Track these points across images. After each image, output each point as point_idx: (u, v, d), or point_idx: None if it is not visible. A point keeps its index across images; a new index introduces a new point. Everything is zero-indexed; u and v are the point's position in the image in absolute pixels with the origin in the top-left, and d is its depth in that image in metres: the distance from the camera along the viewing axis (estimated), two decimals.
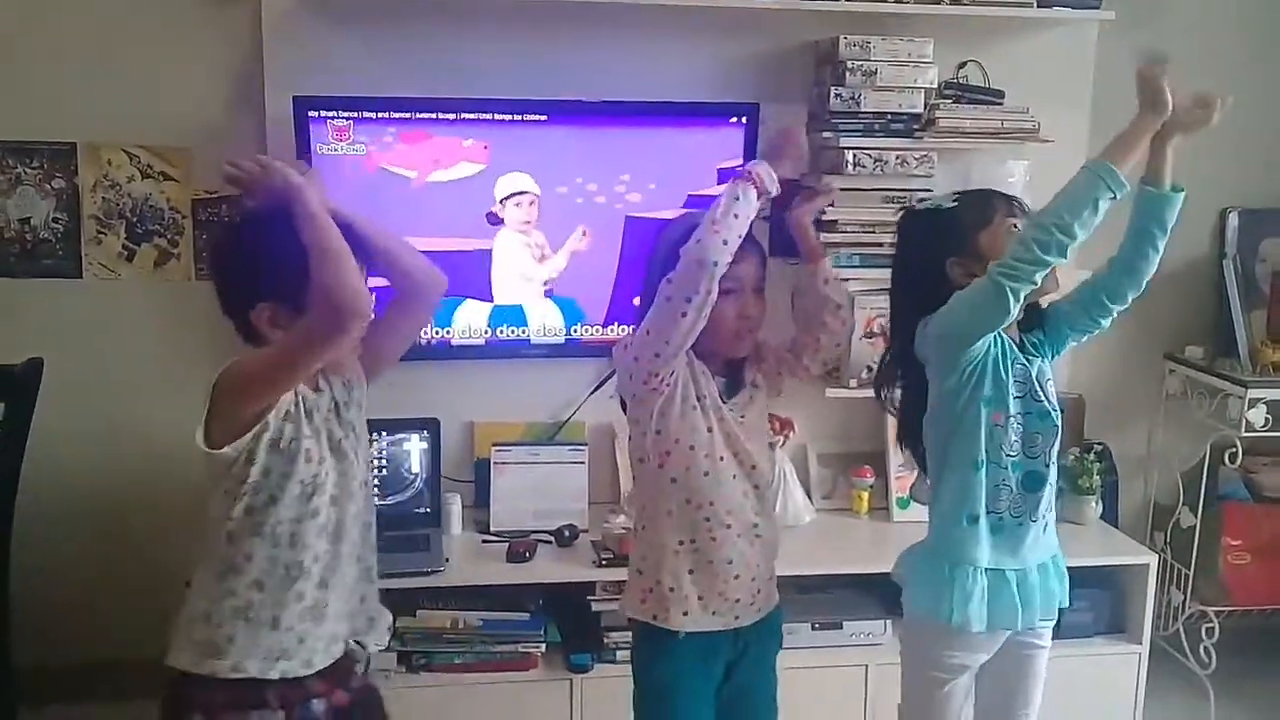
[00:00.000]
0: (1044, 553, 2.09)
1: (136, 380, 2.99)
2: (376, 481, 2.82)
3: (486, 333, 2.94)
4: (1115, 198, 1.88)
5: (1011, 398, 2.01)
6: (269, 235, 1.69)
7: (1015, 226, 2.00)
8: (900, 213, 2.20)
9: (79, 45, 2.85)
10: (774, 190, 1.92)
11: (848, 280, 2.90)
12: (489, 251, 2.89)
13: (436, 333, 2.90)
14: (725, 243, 1.84)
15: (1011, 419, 2.01)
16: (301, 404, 1.74)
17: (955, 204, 2.05)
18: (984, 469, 2.01)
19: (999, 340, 2.00)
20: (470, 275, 2.88)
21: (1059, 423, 2.06)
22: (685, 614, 2.02)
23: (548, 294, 2.94)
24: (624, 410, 2.06)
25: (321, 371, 1.79)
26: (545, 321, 2.96)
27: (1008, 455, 2.02)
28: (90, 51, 2.85)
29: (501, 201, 2.86)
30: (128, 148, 2.91)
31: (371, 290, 1.79)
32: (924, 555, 2.11)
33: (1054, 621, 2.16)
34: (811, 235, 2.15)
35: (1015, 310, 1.90)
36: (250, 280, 1.73)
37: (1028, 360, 2.04)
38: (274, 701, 1.73)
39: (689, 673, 2.04)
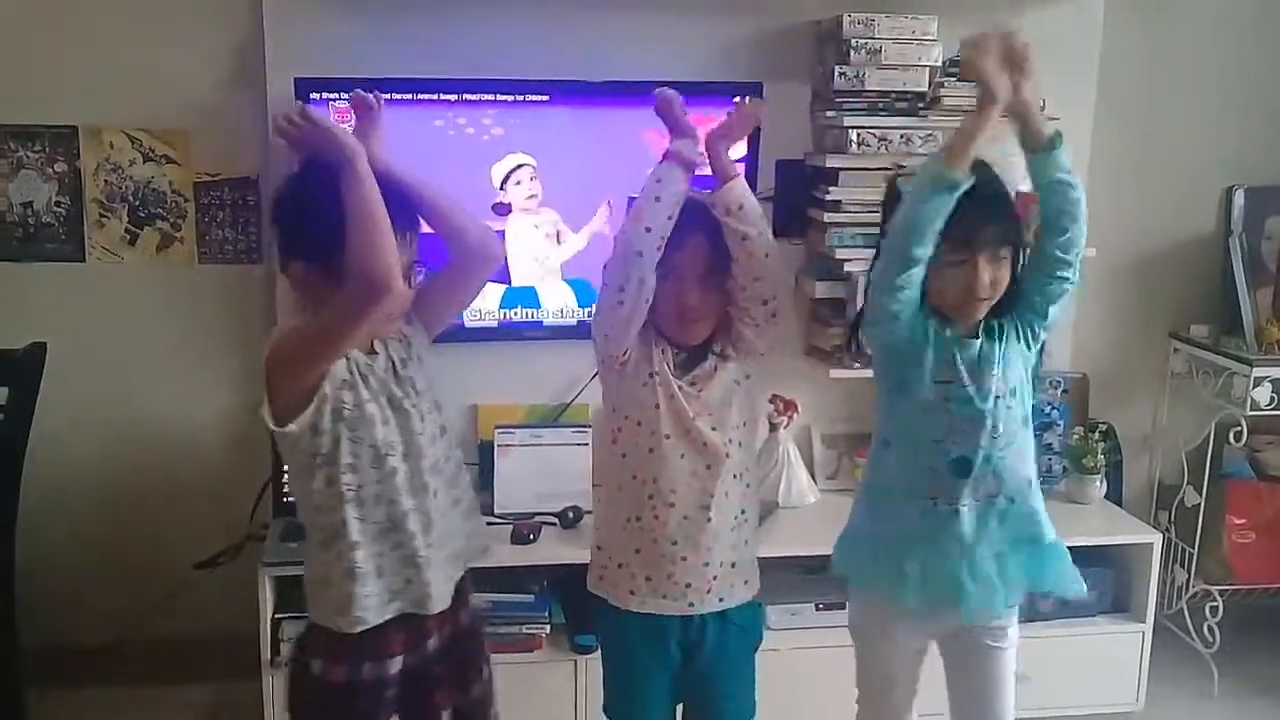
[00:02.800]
0: (997, 543, 2.02)
1: (140, 364, 2.99)
2: None
3: (499, 315, 2.94)
4: (956, 190, 1.82)
5: (934, 382, 1.97)
6: (311, 193, 1.71)
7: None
8: (893, 175, 2.16)
9: (79, 28, 2.83)
10: (699, 161, 1.89)
11: (850, 260, 2.92)
12: (501, 233, 2.87)
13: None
14: (649, 229, 1.84)
15: (935, 403, 1.97)
16: (356, 369, 1.77)
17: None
18: (892, 449, 2.04)
19: (925, 326, 1.96)
20: None
21: (985, 410, 1.96)
22: (632, 593, 2.00)
23: (564, 275, 2.93)
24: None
25: (374, 339, 1.81)
26: (558, 303, 2.95)
27: (931, 439, 1.98)
28: (91, 34, 2.84)
29: (502, 185, 2.85)
30: (129, 130, 2.90)
31: (419, 262, 1.82)
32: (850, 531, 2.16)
33: (1013, 619, 2.10)
34: (721, 157, 1.93)
35: (901, 310, 1.90)
36: (290, 235, 1.78)
37: (974, 344, 1.97)
38: (395, 647, 1.82)
39: (639, 651, 2.04)
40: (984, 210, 1.90)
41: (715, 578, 2.01)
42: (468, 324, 2.91)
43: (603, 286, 1.91)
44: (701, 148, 1.94)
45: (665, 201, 1.87)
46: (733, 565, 2.03)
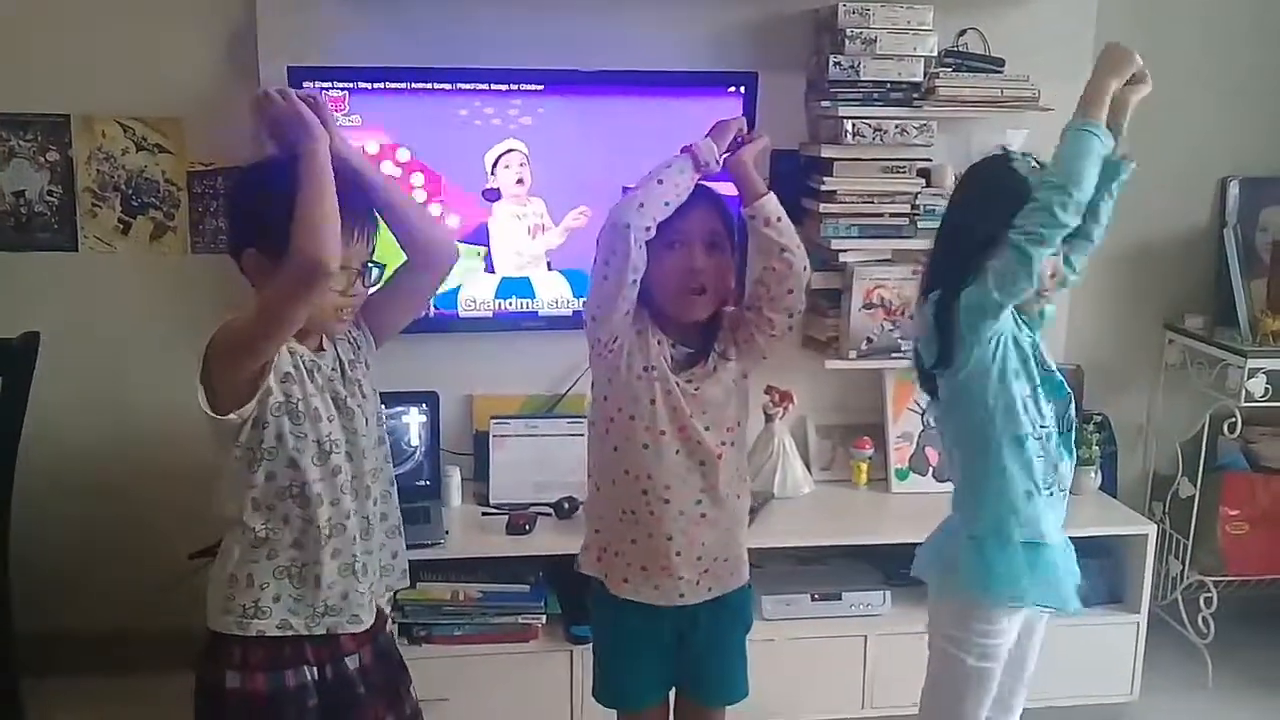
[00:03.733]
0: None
1: (133, 353, 2.98)
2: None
3: (495, 305, 2.93)
4: (1108, 148, 1.93)
5: (1033, 370, 2.02)
6: (267, 181, 1.70)
7: None
8: (991, 156, 2.11)
9: (72, 16, 2.83)
10: (714, 166, 1.90)
11: (846, 251, 2.92)
12: (484, 225, 2.88)
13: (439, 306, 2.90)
14: (641, 205, 1.83)
15: (1038, 390, 2.02)
16: (302, 364, 1.75)
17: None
18: (1028, 442, 2.01)
19: (1013, 314, 2.01)
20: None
21: (1069, 392, 2.08)
22: (625, 581, 2.00)
23: (550, 266, 2.93)
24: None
25: (324, 336, 1.80)
26: (552, 294, 2.95)
27: (1042, 427, 2.03)
28: (84, 22, 2.83)
29: (492, 170, 2.84)
30: (122, 119, 2.89)
31: (373, 262, 1.81)
32: (978, 538, 2.07)
33: None
34: (751, 174, 1.97)
35: (1035, 277, 1.91)
36: (242, 223, 1.77)
37: (1032, 332, 2.06)
38: (311, 657, 1.77)
39: (633, 635, 2.04)
40: None
41: (707, 571, 2.01)
42: (463, 314, 2.91)
43: (593, 265, 1.90)
44: (733, 166, 1.97)
45: (667, 187, 1.86)
46: (725, 560, 2.04)
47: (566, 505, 2.87)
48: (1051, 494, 2.06)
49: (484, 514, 2.89)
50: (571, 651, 2.74)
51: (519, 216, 2.89)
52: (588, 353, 2.00)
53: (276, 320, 1.66)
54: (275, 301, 1.65)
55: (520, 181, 2.87)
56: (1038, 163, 2.02)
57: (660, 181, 1.86)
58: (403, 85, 2.75)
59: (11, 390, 2.59)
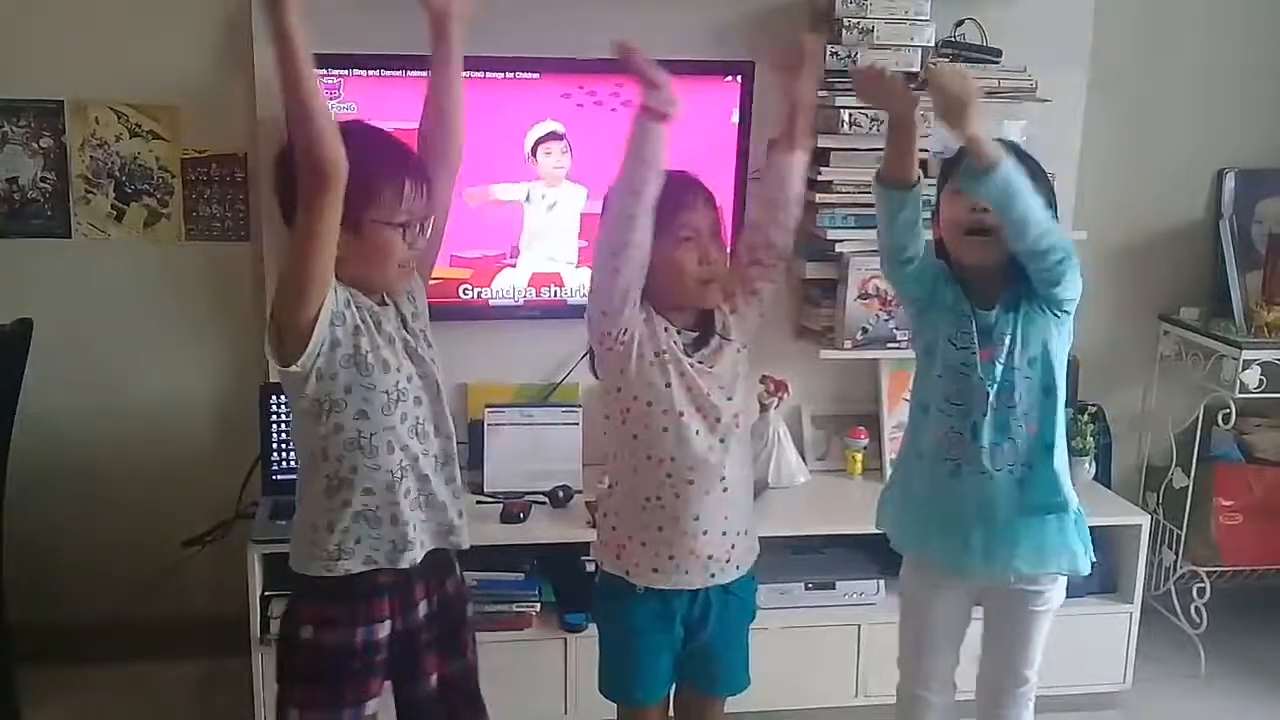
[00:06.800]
0: (1022, 511, 2.10)
1: (127, 340, 2.97)
2: None
3: (491, 294, 2.94)
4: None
5: (945, 349, 2.09)
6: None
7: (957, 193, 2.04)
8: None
9: (65, 2, 2.80)
10: (673, 110, 1.81)
11: (842, 241, 2.92)
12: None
13: (472, 293, 2.92)
14: (637, 192, 1.81)
15: (941, 366, 2.10)
16: (370, 317, 1.79)
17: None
18: (929, 413, 2.11)
19: (951, 285, 2.08)
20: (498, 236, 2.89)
21: (986, 380, 2.06)
22: (655, 570, 2.00)
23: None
24: (592, 369, 2.06)
25: (391, 290, 1.85)
26: (548, 283, 2.96)
27: (952, 403, 2.09)
28: (77, 8, 2.81)
29: (533, 151, 2.84)
30: (115, 105, 2.87)
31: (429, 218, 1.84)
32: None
33: (1054, 584, 2.19)
34: (808, 116, 2.02)
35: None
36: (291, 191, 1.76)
37: (989, 314, 2.06)
38: (384, 610, 1.84)
39: (649, 627, 2.04)
40: None
41: (733, 546, 2.04)
42: (493, 301, 2.93)
43: (596, 261, 1.89)
44: (794, 97, 2.00)
45: (650, 160, 1.81)
46: (746, 532, 2.07)
47: (561, 494, 2.87)
48: (968, 470, 2.10)
49: (478, 502, 2.88)
50: (566, 640, 2.75)
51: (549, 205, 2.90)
52: (591, 351, 1.98)
53: (311, 235, 1.66)
54: (304, 217, 1.65)
55: (559, 168, 2.87)
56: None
57: (644, 160, 1.81)
58: (398, 72, 2.73)
59: (4, 377, 2.59)
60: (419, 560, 1.86)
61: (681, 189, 1.92)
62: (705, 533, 2.00)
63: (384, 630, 1.85)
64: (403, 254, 1.80)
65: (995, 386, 2.06)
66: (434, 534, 1.90)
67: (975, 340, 2.06)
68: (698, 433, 1.97)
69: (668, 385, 1.95)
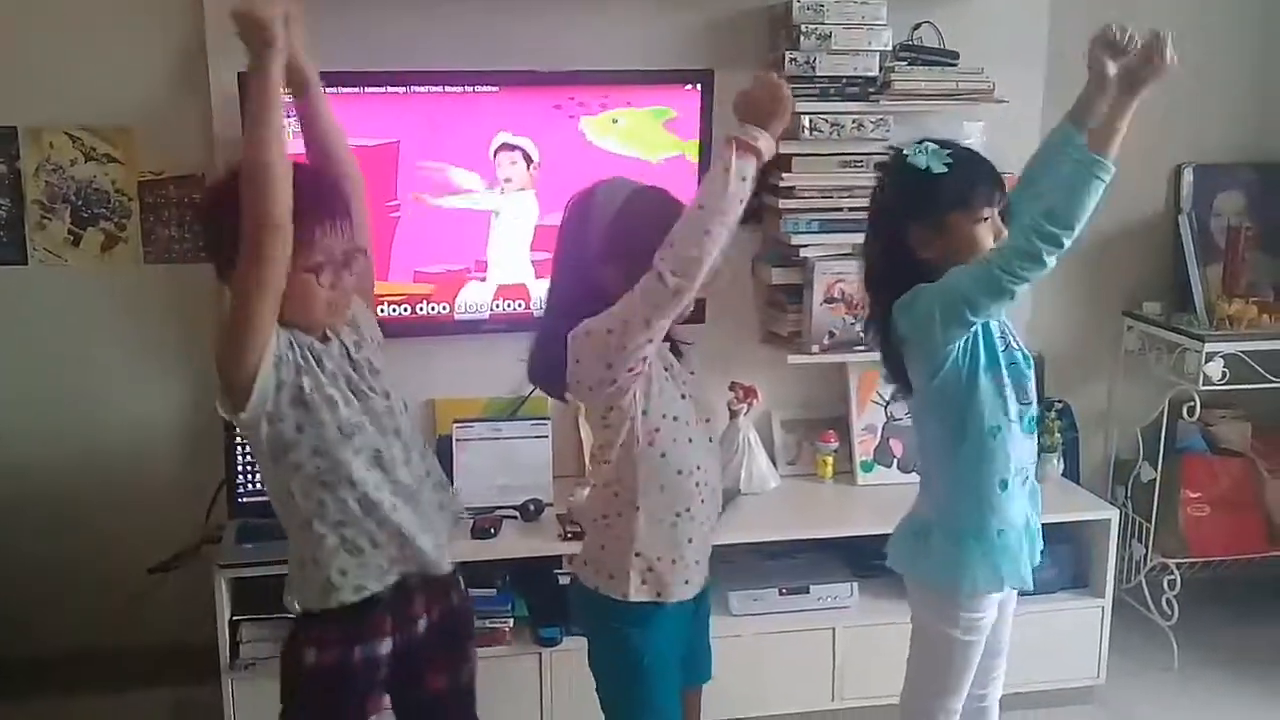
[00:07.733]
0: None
1: (87, 367, 2.93)
2: None
3: (457, 309, 2.92)
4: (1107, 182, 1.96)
5: (1000, 354, 2.04)
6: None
7: (987, 218, 2.00)
8: (889, 154, 2.11)
9: (16, 25, 2.77)
10: (769, 155, 1.78)
11: (806, 246, 2.92)
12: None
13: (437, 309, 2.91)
14: (702, 259, 1.73)
15: (1005, 374, 2.04)
16: (310, 355, 1.77)
17: (945, 171, 1.97)
18: (1000, 433, 2.03)
19: None
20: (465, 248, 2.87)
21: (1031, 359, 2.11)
22: (687, 582, 1.99)
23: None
24: (561, 398, 1.98)
25: (329, 326, 1.83)
26: (513, 295, 2.95)
27: (1007, 415, 2.04)
28: (28, 33, 2.77)
29: (495, 154, 2.83)
30: (70, 130, 2.84)
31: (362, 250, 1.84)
32: (956, 532, 2.07)
33: None
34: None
35: (1015, 300, 1.94)
36: (226, 240, 1.74)
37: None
38: (385, 628, 1.85)
39: (673, 641, 2.02)
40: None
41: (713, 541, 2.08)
42: (423, 318, 2.89)
43: (658, 287, 1.75)
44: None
45: (744, 199, 1.76)
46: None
47: (532, 507, 2.85)
48: (1024, 480, 2.08)
49: None
50: (540, 654, 2.73)
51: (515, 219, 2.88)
52: (570, 378, 1.88)
53: (258, 288, 1.65)
54: (249, 272, 1.65)
55: (510, 180, 2.85)
56: (944, 166, 1.97)
57: (742, 200, 1.74)
58: (355, 89, 2.71)
59: None
60: (431, 570, 1.89)
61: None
62: (713, 531, 2.05)
63: (384, 647, 1.86)
64: (326, 295, 1.78)
65: (1032, 369, 2.09)
66: (412, 560, 1.87)
67: (1009, 335, 2.08)
68: (710, 439, 2.03)
69: (683, 397, 1.96)
